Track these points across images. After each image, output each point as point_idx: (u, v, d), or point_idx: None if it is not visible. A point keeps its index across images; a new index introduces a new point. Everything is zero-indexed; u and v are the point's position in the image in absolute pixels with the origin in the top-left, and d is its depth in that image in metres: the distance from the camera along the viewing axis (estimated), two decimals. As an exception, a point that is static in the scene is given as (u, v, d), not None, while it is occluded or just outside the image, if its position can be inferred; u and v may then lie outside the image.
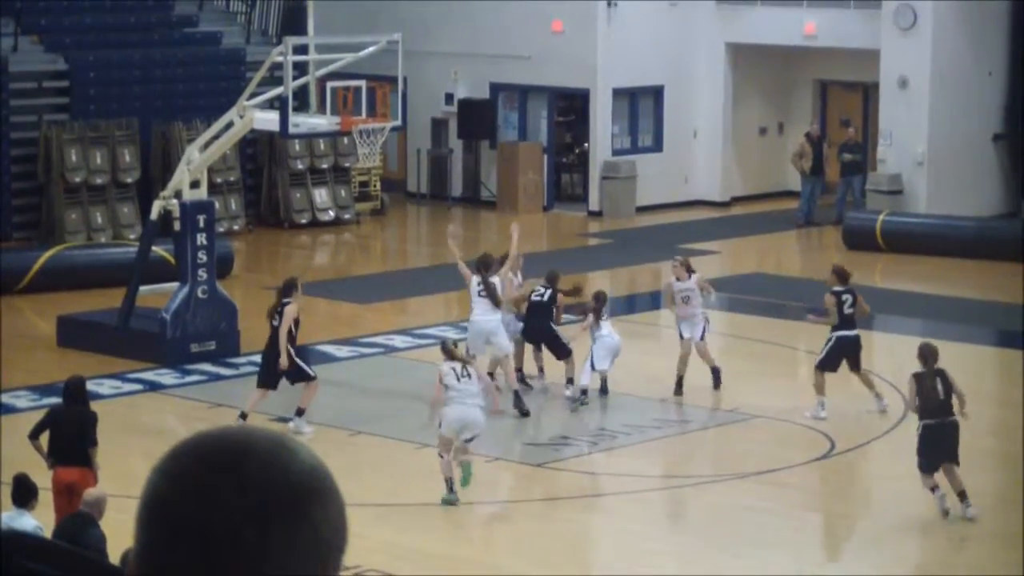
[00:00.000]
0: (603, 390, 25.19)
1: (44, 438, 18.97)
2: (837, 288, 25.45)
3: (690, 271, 26.72)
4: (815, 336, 30.36)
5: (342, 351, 28.51)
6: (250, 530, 2.34)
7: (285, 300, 23.90)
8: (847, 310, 25.27)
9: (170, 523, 2.36)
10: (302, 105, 29.33)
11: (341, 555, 2.43)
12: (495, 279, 25.45)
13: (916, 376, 20.88)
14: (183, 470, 2.38)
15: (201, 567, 2.33)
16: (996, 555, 20.11)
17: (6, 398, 25.14)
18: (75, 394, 19.50)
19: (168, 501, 2.37)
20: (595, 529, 21.78)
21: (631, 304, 34.24)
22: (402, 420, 24.66)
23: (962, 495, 20.22)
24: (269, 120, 28.50)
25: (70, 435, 18.94)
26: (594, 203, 41.75)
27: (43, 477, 18.08)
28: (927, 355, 20.90)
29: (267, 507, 2.35)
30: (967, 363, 29.22)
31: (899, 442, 24.20)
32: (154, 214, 28.59)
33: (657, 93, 42.60)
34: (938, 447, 20.38)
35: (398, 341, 29.05)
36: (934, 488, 20.27)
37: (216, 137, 28.34)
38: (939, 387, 20.59)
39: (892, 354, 30.16)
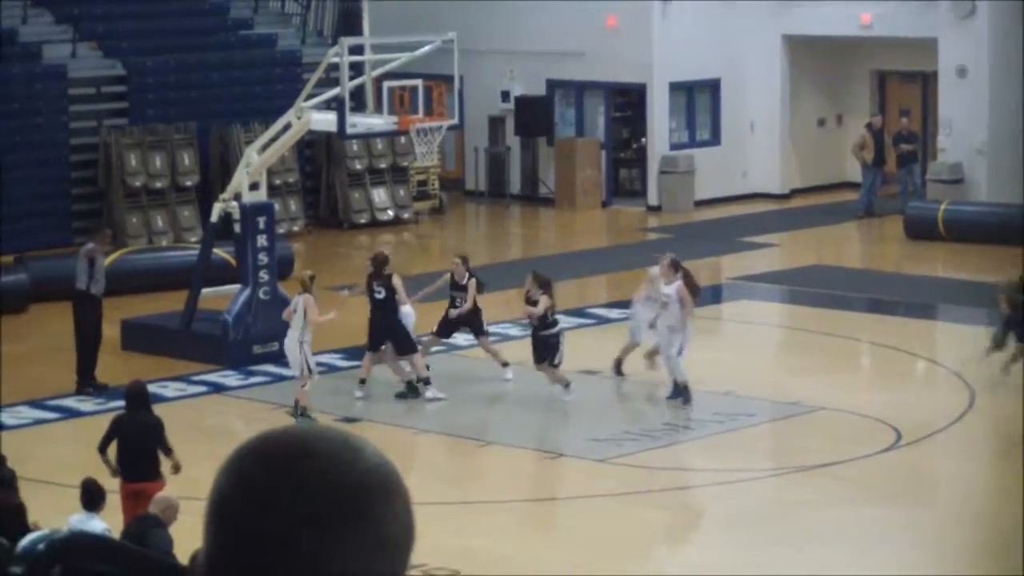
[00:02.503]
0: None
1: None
2: None
3: (677, 271, 25.77)
4: (876, 327, 30.32)
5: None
6: (307, 533, 2.34)
7: (387, 272, 25.69)
8: None
9: (232, 525, 2.37)
10: (359, 105, 29.39)
11: (408, 553, 2.44)
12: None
13: None
14: (244, 472, 2.39)
15: (263, 569, 2.34)
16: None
17: (72, 402, 25.28)
18: (137, 400, 19.55)
19: (230, 503, 2.38)
20: (657, 524, 21.74)
21: (692, 298, 34.16)
22: (463, 418, 24.69)
23: None
24: (327, 121, 28.56)
25: (135, 444, 19.01)
26: (652, 198, 41.69)
27: (112, 480, 18.18)
28: None
29: (325, 509, 2.35)
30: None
31: (964, 435, 24.17)
32: (214, 217, 28.67)
33: (714, 87, 42.53)
34: None
35: (460, 340, 29.04)
36: None
37: (274, 139, 28.38)
38: None
39: (956, 345, 30.06)
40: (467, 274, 26.53)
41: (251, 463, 2.41)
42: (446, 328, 26.66)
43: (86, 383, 25.45)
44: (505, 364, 26.11)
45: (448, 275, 26.91)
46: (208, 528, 2.42)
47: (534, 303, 25.02)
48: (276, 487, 2.36)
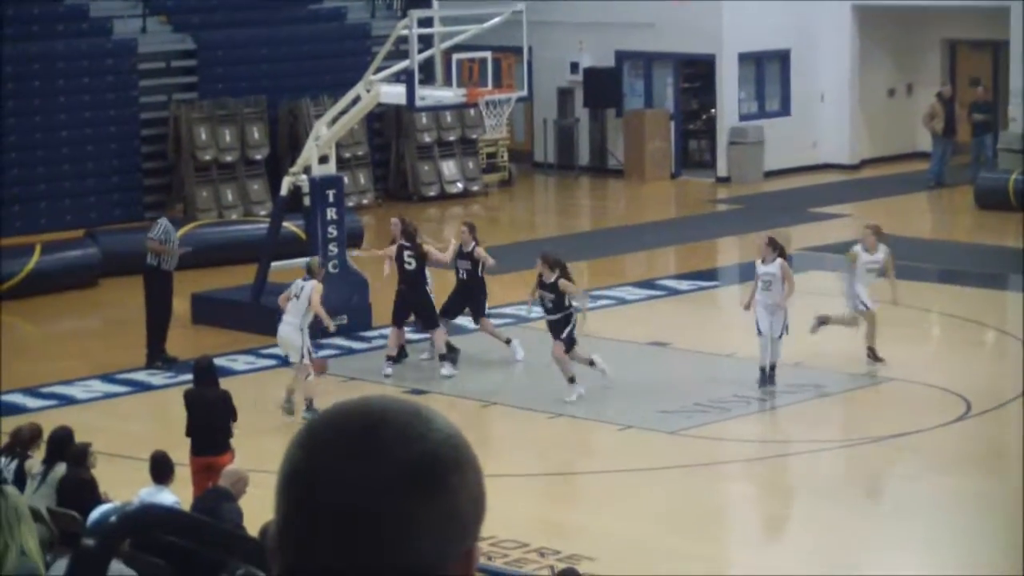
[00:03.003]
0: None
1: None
2: None
3: (776, 249, 25.08)
4: (947, 298, 30.21)
5: (471, 323, 28.58)
6: (385, 503, 2.35)
7: (419, 241, 25.78)
8: None
9: (305, 497, 2.38)
10: (428, 78, 29.43)
11: (479, 525, 2.45)
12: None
13: None
14: (318, 443, 2.40)
15: (336, 541, 2.35)
16: None
17: (142, 376, 25.41)
18: (204, 374, 19.67)
19: (303, 475, 2.39)
20: (729, 496, 21.77)
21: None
22: (535, 390, 24.71)
23: None
24: (396, 94, 28.56)
25: (203, 418, 19.12)
26: (722, 169, 41.65)
27: (180, 453, 18.27)
28: None
29: (402, 479, 2.36)
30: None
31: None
32: (284, 190, 28.76)
33: (783, 57, 42.43)
34: None
35: (532, 310, 29.06)
36: None
37: (343, 112, 28.44)
38: None
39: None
40: (473, 242, 26.20)
41: (324, 435, 2.42)
42: (451, 310, 26.39)
43: (156, 357, 25.62)
44: (508, 341, 25.97)
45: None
46: (280, 500, 2.43)
47: (548, 286, 24.47)
48: (349, 459, 2.37)
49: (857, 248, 25.88)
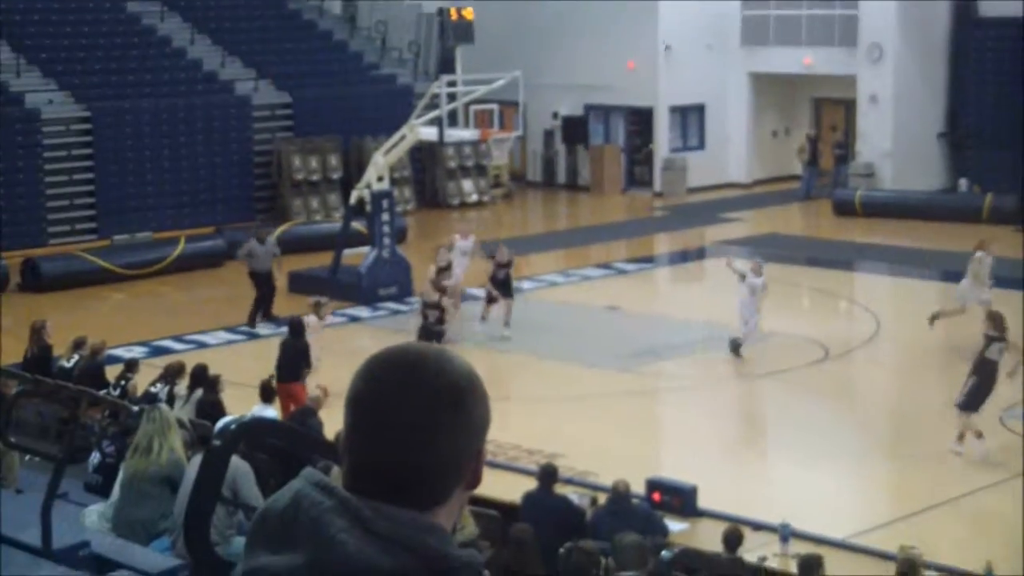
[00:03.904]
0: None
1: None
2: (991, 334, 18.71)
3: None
4: (812, 277, 30.20)
5: (484, 293, 28.55)
6: (420, 417, 2.35)
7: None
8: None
9: (363, 413, 2.38)
10: (453, 123, 29.39)
11: (486, 432, 2.45)
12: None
13: None
14: (375, 373, 2.40)
15: (385, 444, 2.35)
16: None
17: (255, 329, 25.43)
18: (294, 330, 19.74)
19: (362, 396, 2.39)
20: (665, 414, 21.76)
21: (685, 256, 34.16)
22: (526, 340, 24.68)
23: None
24: (430, 133, 28.57)
25: (289, 360, 19.22)
26: (657, 186, 41.60)
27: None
28: None
29: (432, 400, 2.36)
30: (923, 294, 29.00)
31: (873, 352, 24.07)
32: (353, 200, 28.79)
33: (700, 109, 42.37)
34: None
35: (524, 285, 29.08)
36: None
37: (394, 146, 28.45)
38: None
39: (870, 290, 30.00)
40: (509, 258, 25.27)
41: (379, 368, 2.42)
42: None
43: (251, 323, 25.72)
44: (507, 324, 24.89)
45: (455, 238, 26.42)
46: (345, 416, 2.43)
47: (502, 265, 24.87)
48: (396, 386, 2.37)
49: (979, 254, 24.28)
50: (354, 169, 36.08)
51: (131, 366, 18.38)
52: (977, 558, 13.81)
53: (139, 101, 34.40)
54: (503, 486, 15.88)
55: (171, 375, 17.42)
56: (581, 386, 22.04)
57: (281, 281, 27.38)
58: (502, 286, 25.09)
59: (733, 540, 12.95)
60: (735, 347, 23.14)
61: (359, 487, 2.34)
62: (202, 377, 17.16)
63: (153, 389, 17.07)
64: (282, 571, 2.26)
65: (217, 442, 5.20)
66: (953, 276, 29.67)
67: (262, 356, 22.07)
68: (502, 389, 20.77)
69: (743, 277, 23.14)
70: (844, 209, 37.05)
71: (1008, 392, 20.68)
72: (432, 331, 22.26)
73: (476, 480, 2.43)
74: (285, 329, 20.77)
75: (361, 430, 2.38)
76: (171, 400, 16.51)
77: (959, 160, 39.28)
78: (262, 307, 25.85)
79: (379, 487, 2.33)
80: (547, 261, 32.07)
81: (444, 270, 25.00)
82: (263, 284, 25.88)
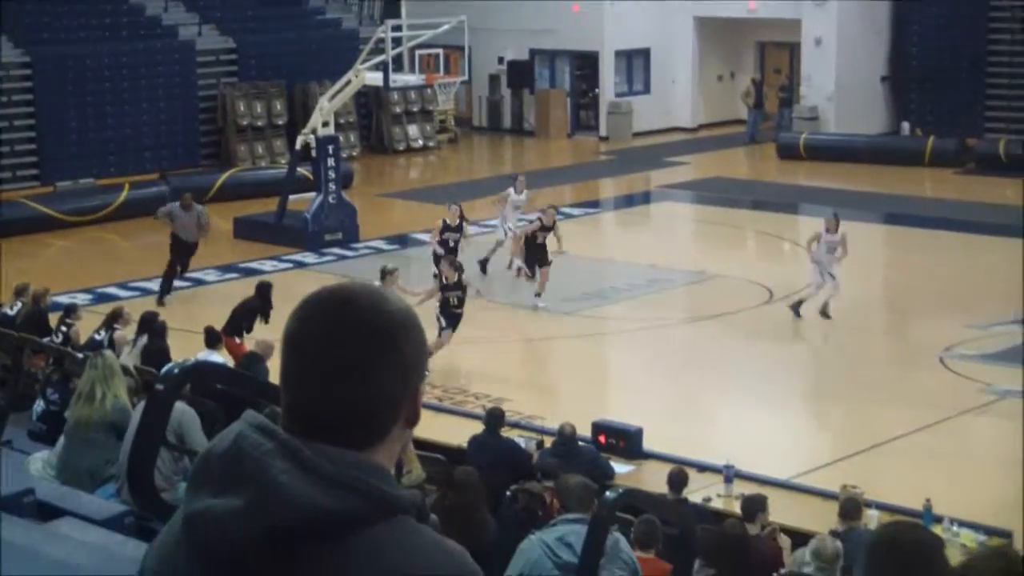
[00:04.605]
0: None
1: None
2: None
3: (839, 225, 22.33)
4: (757, 220, 30.32)
5: (429, 237, 28.50)
6: (358, 355, 2.34)
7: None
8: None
9: (298, 352, 2.38)
10: (398, 67, 29.26)
11: (422, 370, 2.44)
12: None
13: None
14: (308, 313, 2.39)
15: (320, 384, 2.35)
16: None
17: (199, 275, 25.29)
18: (260, 291, 19.47)
19: (296, 336, 2.38)
20: (611, 355, 21.83)
21: (630, 200, 34.20)
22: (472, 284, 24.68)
23: None
24: (375, 78, 28.44)
25: (235, 316, 19.06)
26: (603, 131, 41.59)
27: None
28: None
29: (366, 339, 2.35)
30: (865, 237, 29.17)
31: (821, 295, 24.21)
32: (298, 145, 28.63)
33: (646, 53, 42.31)
34: None
35: (471, 229, 29.04)
36: None
37: (339, 91, 28.30)
38: None
39: (814, 231, 30.09)
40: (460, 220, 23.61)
41: (312, 308, 2.41)
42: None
43: (161, 299, 23.26)
44: (539, 294, 23.29)
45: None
46: (282, 356, 2.43)
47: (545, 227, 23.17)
48: (329, 324, 2.37)
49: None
50: (299, 114, 35.86)
51: (70, 312, 18.04)
52: (917, 496, 13.97)
53: (81, 46, 34.03)
54: (450, 430, 15.94)
55: (111, 321, 17.28)
56: (527, 330, 22.07)
57: (226, 226, 27.21)
58: (540, 251, 23.44)
59: (678, 481, 13.04)
60: (796, 308, 22.02)
61: (298, 428, 2.34)
62: (149, 324, 17.07)
63: (97, 336, 16.95)
64: (223, 513, 2.26)
65: (160, 387, 5.18)
66: (895, 219, 29.92)
67: (208, 302, 22.01)
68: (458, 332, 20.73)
69: (817, 238, 22.00)
70: (788, 152, 37.17)
71: (949, 332, 20.89)
72: (453, 314, 19.86)
73: (414, 418, 2.43)
74: (233, 276, 20.67)
75: (296, 370, 2.38)
76: (112, 345, 16.39)
77: (902, 103, 39.45)
78: (171, 279, 23.69)
79: (317, 427, 2.33)
80: (489, 206, 31.99)
81: (451, 231, 23.15)
82: (182, 254, 23.79)
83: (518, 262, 24.27)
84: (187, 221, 23.60)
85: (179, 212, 23.66)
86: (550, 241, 23.44)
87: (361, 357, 2.34)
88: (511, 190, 25.91)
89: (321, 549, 2.26)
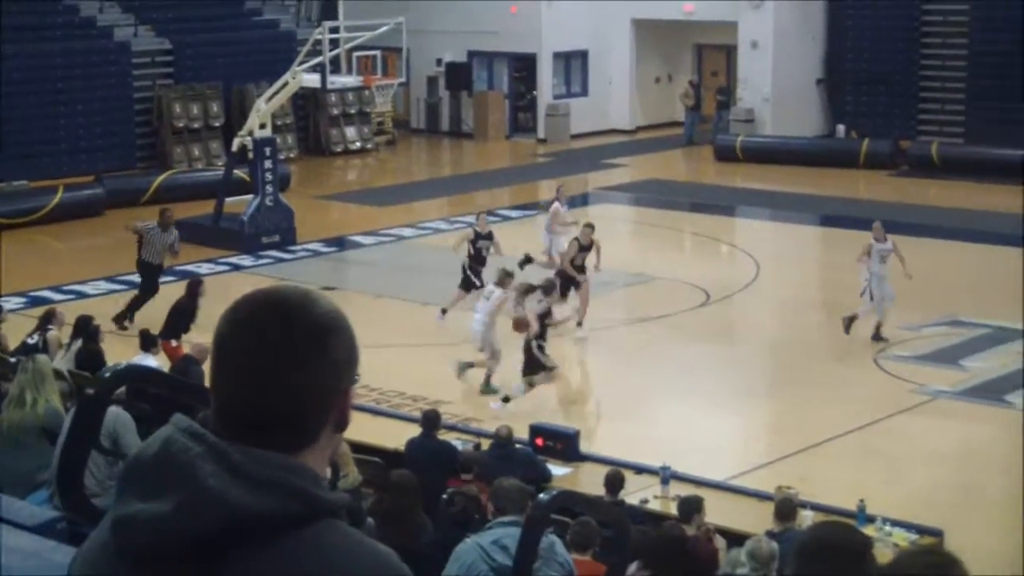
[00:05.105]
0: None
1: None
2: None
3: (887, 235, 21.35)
4: (694, 222, 30.45)
5: (368, 240, 28.54)
6: (287, 358, 2.35)
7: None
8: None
9: (228, 355, 2.38)
10: (336, 69, 29.20)
11: (352, 372, 2.45)
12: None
13: None
14: (237, 315, 2.40)
15: (248, 386, 2.35)
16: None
17: (136, 278, 25.12)
18: (190, 290, 19.44)
19: (226, 338, 2.39)
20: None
21: (568, 202, 34.14)
22: (411, 287, 24.70)
23: None
24: (313, 80, 28.39)
25: (171, 318, 19.00)
26: (541, 132, 41.64)
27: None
28: None
29: (299, 340, 2.36)
30: (800, 239, 29.41)
31: (753, 295, 24.34)
32: (235, 147, 28.51)
33: (583, 55, 42.42)
34: None
35: (407, 232, 29.05)
36: None
37: (276, 93, 28.21)
38: None
39: (750, 233, 30.29)
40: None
41: (241, 310, 2.42)
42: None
43: (120, 322, 21.73)
44: (580, 324, 21.76)
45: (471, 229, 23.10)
46: (212, 358, 2.43)
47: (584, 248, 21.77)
48: (257, 328, 2.37)
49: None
50: (236, 116, 35.71)
51: (-5, 315, 17.86)
52: (851, 496, 14.08)
53: (15, 47, 33.73)
54: (387, 433, 15.91)
55: (44, 322, 17.14)
56: (466, 333, 22.06)
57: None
58: (580, 272, 21.81)
59: (615, 483, 13.08)
60: (848, 323, 20.98)
61: (227, 431, 2.35)
62: (83, 327, 16.95)
63: (30, 340, 16.82)
64: (151, 517, 2.26)
65: (90, 390, 5.16)
66: (831, 220, 30.14)
67: (144, 306, 21.84)
68: (386, 336, 20.73)
69: (868, 251, 20.99)
70: (725, 154, 37.36)
71: (883, 333, 21.05)
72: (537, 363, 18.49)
73: (344, 421, 2.44)
74: (169, 279, 20.54)
75: (225, 373, 2.38)
76: (46, 347, 16.27)
77: (837, 106, 39.74)
78: (136, 306, 21.98)
79: (246, 430, 2.34)
80: (431, 208, 32.03)
81: (483, 239, 22.05)
82: (150, 278, 22.19)
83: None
84: (158, 242, 22.01)
85: (155, 232, 22.06)
86: (589, 259, 21.89)
87: (290, 360, 2.35)
88: (557, 204, 24.48)
89: (250, 552, 2.26)
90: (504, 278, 19.36)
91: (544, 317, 18.50)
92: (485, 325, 19.21)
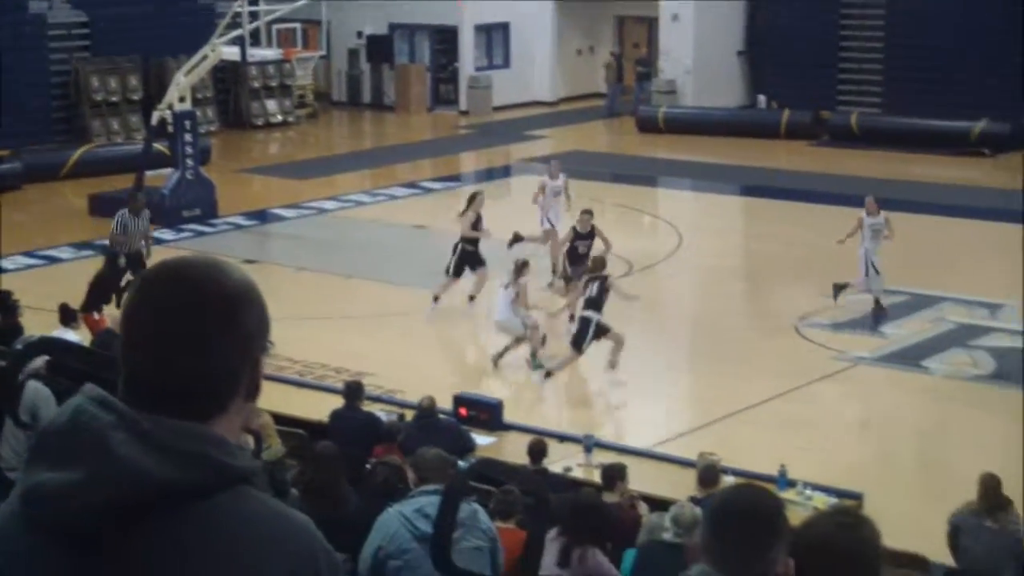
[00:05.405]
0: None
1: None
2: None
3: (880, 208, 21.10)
4: (616, 193, 30.53)
5: (290, 213, 28.41)
6: (195, 326, 2.34)
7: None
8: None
9: (137, 325, 2.37)
10: (256, 42, 29.03)
11: (264, 340, 2.45)
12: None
13: None
14: (145, 285, 2.39)
15: (158, 355, 2.35)
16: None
17: (55, 252, 24.91)
18: (110, 261, 19.19)
19: (135, 308, 2.38)
20: (463, 331, 21.83)
21: (491, 174, 34.28)
22: (333, 260, 24.62)
23: None
24: (233, 52, 28.19)
25: (92, 290, 18.80)
26: (463, 105, 41.58)
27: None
28: None
29: (207, 308, 2.36)
30: (720, 208, 29.60)
31: (675, 264, 24.47)
32: (154, 121, 28.26)
33: (505, 27, 42.38)
34: None
35: (328, 204, 28.94)
36: None
37: (196, 66, 27.98)
38: None
39: (672, 204, 30.44)
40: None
41: (149, 280, 2.41)
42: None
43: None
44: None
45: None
46: (121, 329, 2.42)
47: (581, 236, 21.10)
48: (166, 295, 2.37)
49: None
50: (155, 89, 35.37)
51: None
52: (773, 462, 14.22)
53: (-72, 20, 33.24)
54: (310, 405, 15.89)
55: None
56: (388, 304, 22.03)
57: (81, 203, 26.78)
58: (582, 263, 20.65)
59: (537, 452, 13.14)
60: (838, 290, 20.82)
61: (137, 400, 2.34)
62: (2, 302, 16.78)
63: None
64: (62, 486, 2.25)
65: (2, 362, 5.11)
66: (752, 190, 30.35)
67: (64, 280, 21.66)
68: (309, 309, 20.67)
69: (860, 225, 20.81)
70: (647, 126, 37.47)
71: (804, 301, 21.25)
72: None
73: (255, 390, 2.44)
74: (88, 253, 20.35)
75: (134, 342, 2.38)
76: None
77: (758, 77, 39.94)
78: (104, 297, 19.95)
79: (156, 399, 2.33)
80: (353, 180, 31.91)
81: (582, 239, 20.83)
82: (135, 268, 20.04)
83: (558, 277, 21.80)
84: (135, 230, 20.62)
85: (128, 220, 20.60)
86: (595, 249, 20.85)
87: (198, 328, 2.34)
88: (546, 177, 24.10)
89: (161, 520, 2.26)
90: (522, 267, 19.00)
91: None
92: (507, 312, 18.80)
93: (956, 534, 11.74)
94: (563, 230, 22.44)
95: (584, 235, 21.11)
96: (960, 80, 34.94)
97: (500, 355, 18.78)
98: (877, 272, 20.86)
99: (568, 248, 21.32)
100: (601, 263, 19.00)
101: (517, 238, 22.82)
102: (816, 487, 13.90)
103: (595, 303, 18.37)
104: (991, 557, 11.13)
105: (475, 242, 21.60)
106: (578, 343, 18.34)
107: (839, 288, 20.98)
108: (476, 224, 21.60)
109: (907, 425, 17.05)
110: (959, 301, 21.38)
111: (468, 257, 21.43)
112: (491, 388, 17.20)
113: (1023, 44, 34.05)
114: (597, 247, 20.97)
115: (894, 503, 13.66)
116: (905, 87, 36.28)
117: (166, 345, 2.35)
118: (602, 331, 18.27)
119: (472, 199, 22.03)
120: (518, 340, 18.80)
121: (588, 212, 21.32)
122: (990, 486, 11.74)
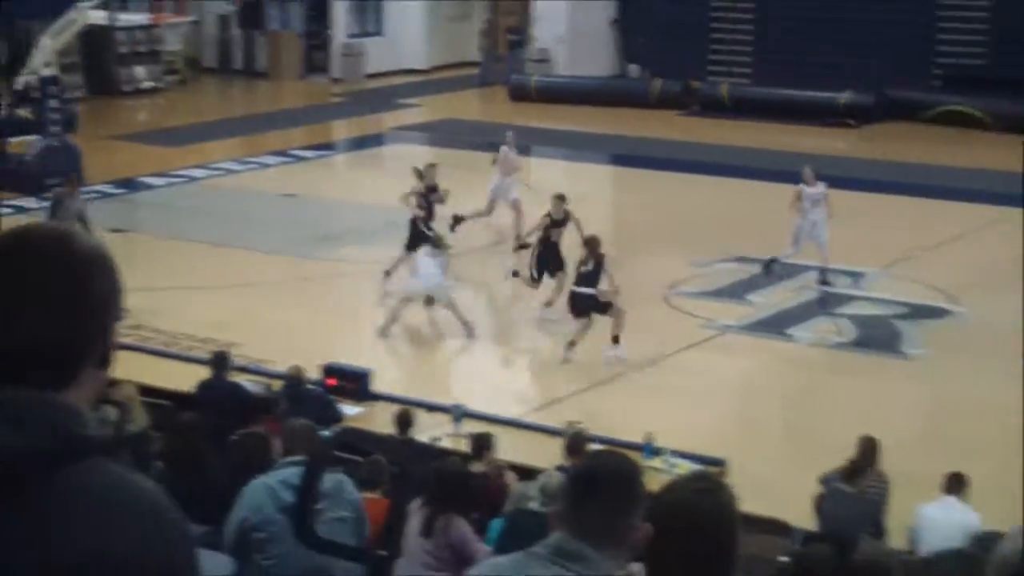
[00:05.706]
0: None
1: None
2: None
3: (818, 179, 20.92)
4: (484, 163, 30.56)
5: (159, 181, 28.09)
6: (39, 292, 2.33)
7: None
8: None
9: None
10: (124, 6, 28.63)
11: (116, 309, 2.44)
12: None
13: None
14: (-12, 255, 2.38)
15: (5, 324, 2.33)
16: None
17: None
18: None
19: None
20: (359, 299, 21.79)
21: (363, 142, 34.17)
22: (203, 229, 24.40)
23: None
24: (100, 16, 27.76)
25: None
26: (336, 72, 41.35)
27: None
28: None
29: (53, 275, 2.34)
30: (591, 177, 29.77)
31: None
32: (19, 86, 27.79)
33: (378, -6, 42.30)
34: None
35: (198, 173, 28.65)
36: None
37: (62, 30, 27.54)
38: None
39: (543, 172, 30.51)
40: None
41: None
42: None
43: None
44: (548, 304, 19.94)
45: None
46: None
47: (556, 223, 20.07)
48: (9, 263, 2.35)
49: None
50: (21, 54, 34.71)
51: None
52: (640, 430, 14.39)
53: None
54: (176, 375, 15.76)
55: None
56: (258, 273, 21.90)
57: None
58: (554, 252, 20.01)
59: (404, 421, 13.17)
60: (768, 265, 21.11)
61: (-14, 370, 2.33)
62: None
63: None
64: (-90, 463, 2.25)
65: None
66: (623, 159, 30.57)
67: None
68: (176, 278, 20.49)
69: (799, 196, 20.79)
70: (520, 94, 37.54)
71: (673, 270, 21.45)
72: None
73: (107, 359, 2.43)
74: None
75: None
76: None
77: (630, 46, 40.15)
78: None
79: (4, 369, 2.32)
80: (223, 148, 31.62)
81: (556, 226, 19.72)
82: None
83: (513, 266, 20.80)
84: (67, 215, 19.56)
85: (64, 199, 20.24)
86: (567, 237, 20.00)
87: (41, 294, 2.32)
88: (506, 148, 23.92)
89: (12, 492, 2.24)
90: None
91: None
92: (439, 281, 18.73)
93: (821, 499, 12.00)
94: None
95: (559, 222, 20.01)
96: (827, 52, 35.43)
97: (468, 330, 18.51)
98: (821, 244, 20.69)
99: (541, 237, 20.07)
100: (597, 242, 18.49)
101: (457, 219, 22.74)
102: (681, 455, 14.08)
103: (590, 278, 18.15)
104: (848, 521, 11.38)
105: (427, 219, 20.87)
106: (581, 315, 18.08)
107: (768, 262, 21.27)
108: (427, 196, 21.18)
109: (773, 392, 17.32)
110: (823, 270, 21.70)
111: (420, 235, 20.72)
112: (361, 357, 17.16)
113: (885, 18, 34.65)
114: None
115: (758, 469, 13.89)
116: (774, 59, 36.69)
117: (10, 312, 2.33)
118: (603, 307, 18.04)
119: (421, 173, 21.54)
120: (429, 302, 18.58)
121: (561, 197, 20.13)
122: (866, 448, 12.01)
